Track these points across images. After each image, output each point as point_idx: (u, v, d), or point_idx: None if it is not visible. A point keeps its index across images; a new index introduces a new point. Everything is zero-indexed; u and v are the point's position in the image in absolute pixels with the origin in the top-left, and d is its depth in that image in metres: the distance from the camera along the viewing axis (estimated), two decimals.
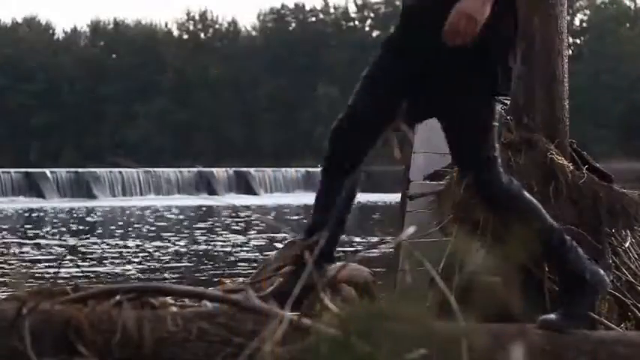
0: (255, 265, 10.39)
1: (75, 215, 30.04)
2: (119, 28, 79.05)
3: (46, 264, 13.50)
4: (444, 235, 4.56)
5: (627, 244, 4.71)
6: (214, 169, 48.97)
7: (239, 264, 13.06)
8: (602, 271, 3.42)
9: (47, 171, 45.24)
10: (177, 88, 72.48)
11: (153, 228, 22.47)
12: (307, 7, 79.03)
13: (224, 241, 17.50)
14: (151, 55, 74.16)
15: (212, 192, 44.86)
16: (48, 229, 22.72)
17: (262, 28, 77.37)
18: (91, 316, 2.58)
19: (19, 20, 79.76)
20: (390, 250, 5.35)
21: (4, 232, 21.13)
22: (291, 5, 77.61)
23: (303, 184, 49.91)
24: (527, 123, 4.68)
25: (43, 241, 17.80)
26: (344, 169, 3.35)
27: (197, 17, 77.78)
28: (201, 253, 15.16)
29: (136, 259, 14.10)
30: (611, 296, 4.71)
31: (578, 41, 70.75)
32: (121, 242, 17.50)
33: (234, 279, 7.20)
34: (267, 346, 2.36)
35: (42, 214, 31.54)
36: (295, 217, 27.57)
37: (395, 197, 5.63)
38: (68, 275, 11.65)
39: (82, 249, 15.92)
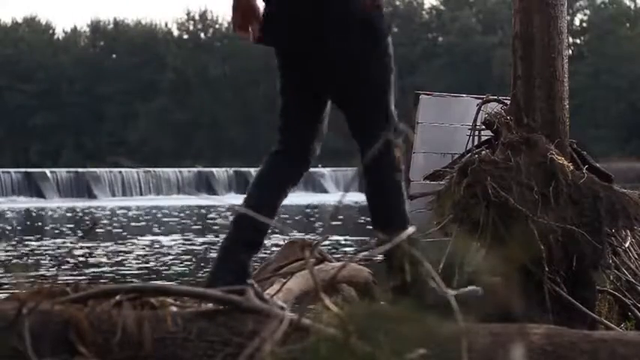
0: (255, 265, 10.39)
1: (75, 215, 30.04)
2: (119, 28, 79.04)
3: (46, 264, 13.50)
4: (444, 235, 4.56)
5: (627, 244, 4.71)
6: (214, 169, 48.99)
7: None
8: None
9: (47, 171, 45.25)
10: (177, 88, 72.49)
11: (152, 228, 22.48)
12: None
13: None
14: (151, 55, 74.17)
15: (212, 192, 44.86)
16: (48, 229, 22.72)
17: None
18: (91, 316, 2.58)
19: (19, 20, 79.82)
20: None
21: (4, 232, 21.14)
22: None
23: (303, 184, 49.89)
24: (527, 123, 4.68)
25: (42, 241, 17.80)
26: None
27: (197, 17, 77.82)
28: (201, 253, 15.16)
29: (136, 259, 14.10)
30: (611, 296, 4.71)
31: (578, 41, 70.76)
32: (121, 242, 17.50)
33: None
34: (267, 346, 2.36)
35: (42, 214, 31.55)
36: (294, 217, 27.58)
37: None
38: (68, 275, 11.66)
39: (82, 249, 15.91)
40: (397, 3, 74.62)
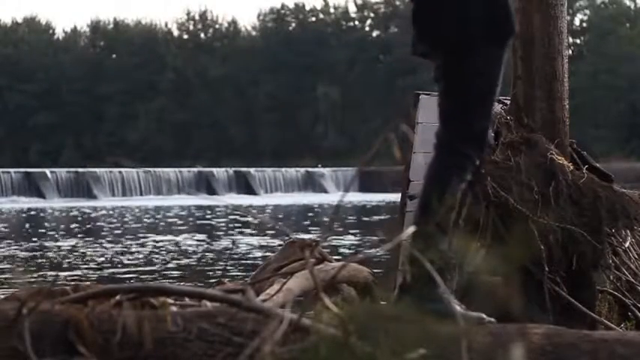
0: (255, 265, 10.40)
1: (75, 215, 30.04)
2: (119, 28, 79.02)
3: (46, 264, 13.50)
4: None
5: (627, 244, 4.71)
6: (214, 169, 48.99)
7: (239, 264, 13.06)
8: None
9: (47, 171, 45.24)
10: (177, 88, 72.48)
11: (153, 228, 22.47)
12: (307, 7, 79.03)
13: (224, 241, 17.50)
14: (151, 55, 74.14)
15: (212, 192, 44.85)
16: (48, 229, 22.72)
17: (262, 28, 77.35)
18: (91, 316, 2.58)
19: (19, 20, 79.74)
20: (390, 250, 5.33)
21: (4, 232, 21.13)
22: (291, 5, 77.66)
23: (303, 184, 49.92)
24: (527, 123, 4.68)
25: (43, 241, 17.80)
26: None
27: (197, 17, 77.76)
28: (201, 253, 15.16)
29: (136, 259, 14.09)
30: (611, 296, 4.71)
31: (578, 41, 70.72)
32: (121, 242, 17.50)
33: (234, 279, 7.18)
34: (267, 346, 2.36)
35: (42, 214, 31.55)
36: (295, 218, 27.58)
37: (395, 197, 5.63)
38: (68, 275, 11.66)
39: (82, 249, 15.91)
40: (397, 3, 74.64)
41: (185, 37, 78.31)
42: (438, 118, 3.56)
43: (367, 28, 76.61)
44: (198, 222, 25.36)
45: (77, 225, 24.22)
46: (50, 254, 15.07)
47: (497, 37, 3.47)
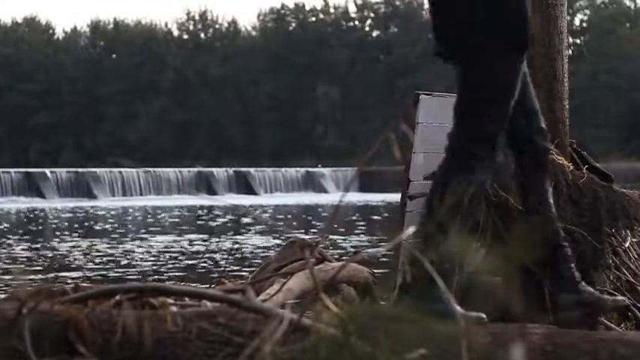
0: (255, 265, 10.39)
1: (75, 215, 30.04)
2: (119, 28, 79.01)
3: (46, 264, 13.50)
4: None
5: (627, 244, 4.70)
6: (214, 169, 49.00)
7: (239, 264, 13.06)
8: None
9: (47, 171, 45.26)
10: (177, 88, 72.47)
11: (153, 228, 22.47)
12: (307, 7, 79.00)
13: (224, 241, 17.50)
14: (151, 55, 74.16)
15: (212, 192, 44.86)
16: (48, 229, 22.71)
17: (262, 28, 77.36)
18: (91, 316, 2.58)
19: (19, 20, 79.74)
20: (390, 250, 5.33)
21: (4, 232, 21.13)
22: (291, 5, 77.65)
23: (303, 184, 49.92)
24: None
25: (43, 241, 17.80)
26: None
27: (197, 17, 77.77)
28: (201, 253, 15.16)
29: (136, 259, 14.09)
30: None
31: (578, 41, 70.72)
32: (121, 242, 17.50)
33: (234, 279, 7.18)
34: (267, 346, 2.36)
35: (42, 214, 31.54)
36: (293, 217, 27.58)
37: (395, 197, 5.63)
38: (68, 275, 11.66)
39: (82, 249, 15.91)
40: (397, 3, 74.64)
41: (185, 37, 78.30)
42: (453, 118, 3.60)
43: (367, 28, 76.60)
44: (198, 222, 25.35)
45: (77, 225, 24.22)
46: (50, 254, 15.07)
47: (510, 46, 3.50)
